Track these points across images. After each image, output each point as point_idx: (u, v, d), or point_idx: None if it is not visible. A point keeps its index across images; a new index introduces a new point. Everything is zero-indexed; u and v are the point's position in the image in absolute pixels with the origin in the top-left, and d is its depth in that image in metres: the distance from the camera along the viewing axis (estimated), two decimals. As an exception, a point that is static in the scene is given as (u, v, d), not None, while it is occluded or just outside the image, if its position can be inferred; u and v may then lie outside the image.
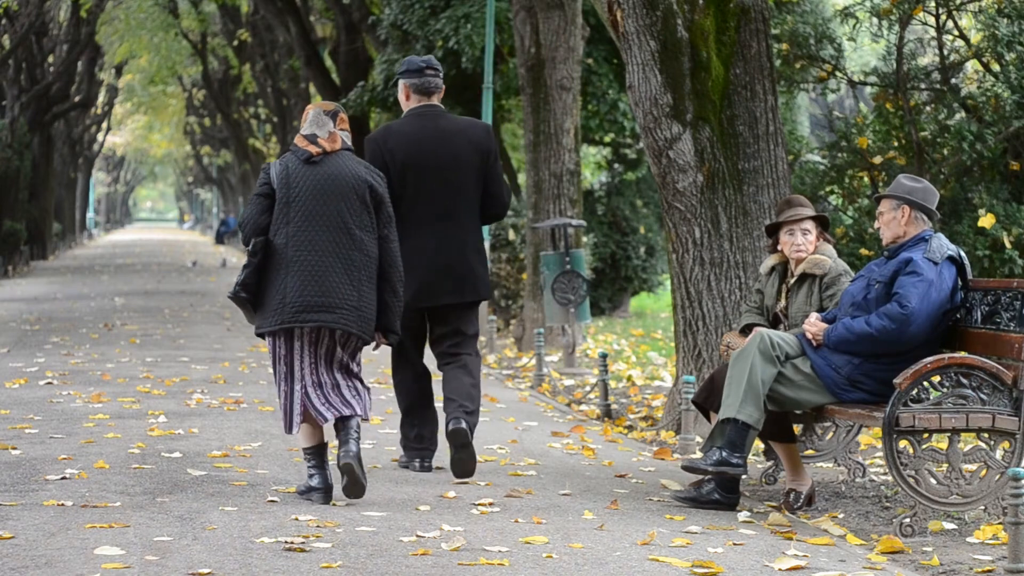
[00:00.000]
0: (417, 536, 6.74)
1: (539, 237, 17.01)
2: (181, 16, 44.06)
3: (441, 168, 8.57)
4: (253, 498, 7.61)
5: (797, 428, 8.39)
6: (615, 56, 22.01)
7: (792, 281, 8.36)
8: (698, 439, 9.81)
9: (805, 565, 6.38)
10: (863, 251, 11.84)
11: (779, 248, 8.42)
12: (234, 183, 66.83)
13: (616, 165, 25.49)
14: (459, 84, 22.64)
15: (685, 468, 7.86)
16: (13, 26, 35.24)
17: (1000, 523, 7.14)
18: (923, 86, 12.38)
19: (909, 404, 7.20)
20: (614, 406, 12.04)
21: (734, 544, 6.82)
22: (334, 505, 7.50)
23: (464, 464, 8.38)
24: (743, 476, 7.84)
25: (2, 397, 11.75)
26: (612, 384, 13.41)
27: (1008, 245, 11.42)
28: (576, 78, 17.08)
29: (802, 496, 8.01)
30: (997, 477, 7.19)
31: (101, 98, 59.18)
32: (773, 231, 8.49)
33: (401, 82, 8.77)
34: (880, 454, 9.15)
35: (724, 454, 7.66)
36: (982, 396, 7.22)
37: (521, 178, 26.52)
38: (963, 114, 12.01)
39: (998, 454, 7.27)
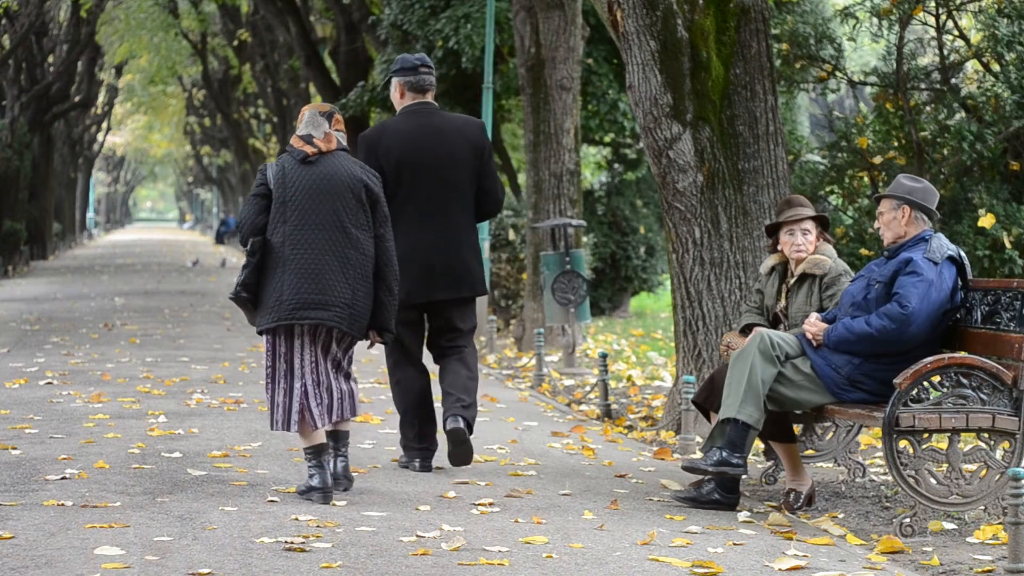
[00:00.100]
0: (417, 536, 6.74)
1: (539, 237, 17.01)
2: (181, 16, 44.07)
3: (437, 165, 8.62)
4: (253, 498, 7.61)
5: (797, 428, 8.39)
6: (615, 56, 22.01)
7: (792, 281, 8.36)
8: (698, 439, 9.81)
9: (805, 565, 6.38)
10: (863, 251, 11.84)
11: (779, 248, 8.42)
12: (234, 183, 66.81)
13: (616, 165, 25.49)
14: (459, 84, 22.64)
15: (685, 468, 7.86)
16: (13, 26, 35.24)
17: (1000, 523, 7.14)
18: (923, 86, 12.38)
19: (909, 404, 7.20)
20: (614, 406, 12.04)
21: (734, 544, 6.82)
22: (334, 505, 7.50)
23: (461, 457, 8.50)
24: (743, 476, 7.84)
25: (2, 397, 11.76)
26: (612, 384, 13.41)
27: (1008, 245, 11.42)
28: (576, 78, 17.09)
29: (802, 496, 8.01)
30: (997, 477, 7.19)
31: (101, 98, 59.19)
32: (773, 231, 8.49)
33: (395, 80, 8.82)
34: (880, 454, 9.15)
35: (724, 454, 7.66)
36: (982, 396, 7.22)
37: (521, 178, 26.52)
38: (963, 114, 12.01)
39: (998, 454, 7.27)
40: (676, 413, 10.30)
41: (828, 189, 12.63)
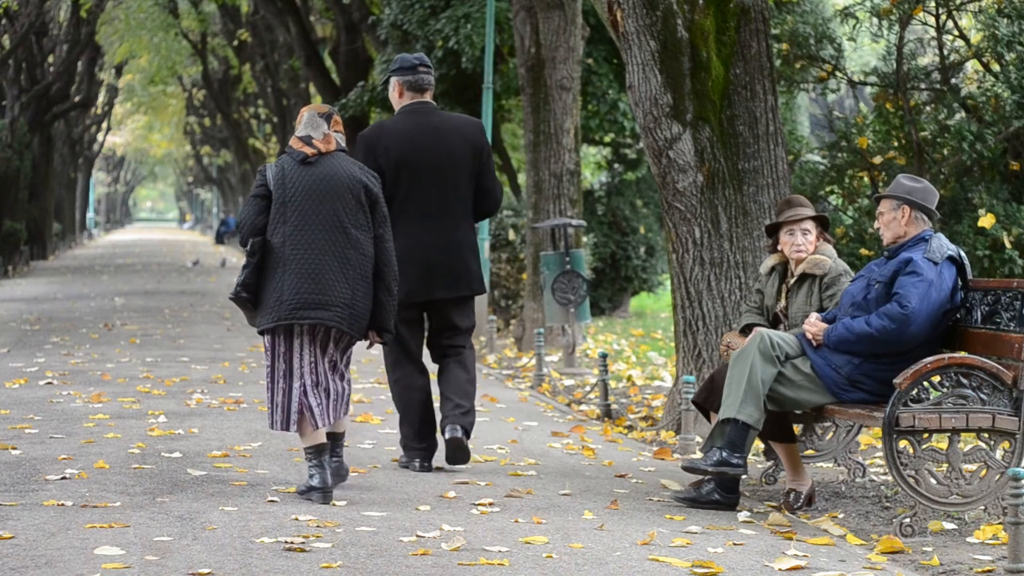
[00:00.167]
0: (417, 536, 6.74)
1: (539, 237, 17.01)
2: (181, 16, 44.07)
3: (436, 165, 8.66)
4: (253, 498, 7.61)
5: (797, 428, 8.39)
6: (615, 56, 22.00)
7: (792, 281, 8.36)
8: (698, 439, 9.81)
9: (805, 565, 6.38)
10: (863, 251, 11.83)
11: (779, 248, 8.42)
12: (234, 183, 66.81)
13: (616, 165, 25.48)
14: (459, 84, 22.64)
15: (685, 469, 7.86)
16: (13, 26, 35.24)
17: (1000, 523, 7.14)
18: (923, 86, 12.38)
19: (909, 404, 7.20)
20: (614, 406, 12.04)
21: (734, 544, 6.82)
22: (334, 505, 7.50)
23: (458, 460, 8.64)
24: (743, 476, 7.84)
25: (2, 397, 11.76)
26: (612, 384, 13.41)
27: (1008, 245, 11.42)
28: (576, 78, 17.08)
29: (802, 496, 8.01)
30: (997, 477, 7.19)
31: (101, 98, 59.18)
32: (773, 231, 8.49)
33: (393, 79, 8.85)
34: (880, 454, 9.15)
35: (724, 454, 7.66)
36: (982, 396, 7.22)
37: (521, 178, 26.52)
38: (963, 114, 12.01)
39: (998, 454, 7.27)
40: (676, 413, 10.30)
41: (828, 189, 12.63)
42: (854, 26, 12.42)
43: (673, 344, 11.71)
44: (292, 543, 6.47)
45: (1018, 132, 11.69)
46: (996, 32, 11.74)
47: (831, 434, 8.76)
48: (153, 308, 23.81)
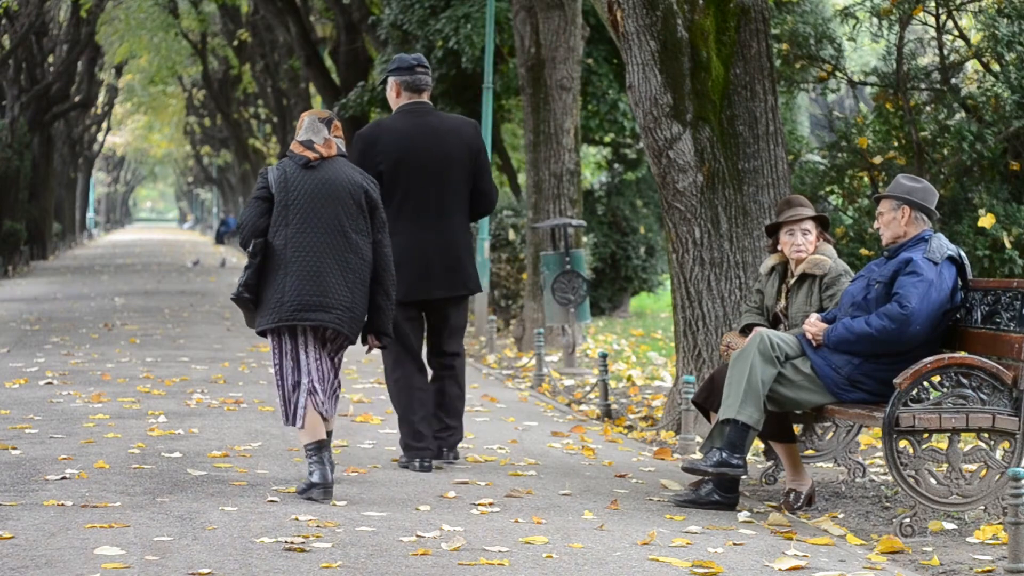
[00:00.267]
0: (417, 536, 6.75)
1: (539, 237, 17.01)
2: (181, 16, 44.06)
3: (434, 165, 8.75)
4: (253, 498, 7.62)
5: (797, 428, 8.38)
6: (615, 56, 22.00)
7: (792, 281, 8.36)
8: (698, 439, 9.81)
9: (805, 565, 6.38)
10: (863, 251, 11.83)
11: (779, 248, 8.42)
12: (234, 183, 66.82)
13: (616, 165, 25.48)
14: (459, 84, 22.64)
15: (685, 469, 7.86)
16: (13, 26, 35.23)
17: (1000, 523, 7.14)
18: (923, 86, 12.37)
19: (909, 404, 7.20)
20: (614, 406, 12.04)
21: (734, 544, 6.82)
22: (334, 505, 7.50)
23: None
24: (743, 476, 7.84)
25: (2, 397, 11.76)
26: (612, 384, 13.41)
27: (1008, 245, 11.42)
28: (576, 78, 17.08)
29: (802, 496, 8.01)
30: (997, 477, 7.19)
31: (101, 98, 59.17)
32: (773, 231, 8.49)
33: (391, 79, 8.93)
34: (880, 454, 9.15)
35: (724, 455, 7.66)
36: (982, 396, 7.22)
37: (521, 178, 26.51)
38: (963, 114, 12.01)
39: (998, 454, 7.27)
40: (676, 413, 10.30)
41: (828, 189, 12.62)
42: (854, 26, 12.42)
43: (673, 344, 11.71)
44: (292, 543, 6.47)
45: (1018, 132, 11.68)
46: (996, 32, 11.74)
47: (831, 434, 8.76)
48: (153, 308, 23.81)
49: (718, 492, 7.78)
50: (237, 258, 45.67)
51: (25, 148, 39.25)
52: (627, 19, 10.02)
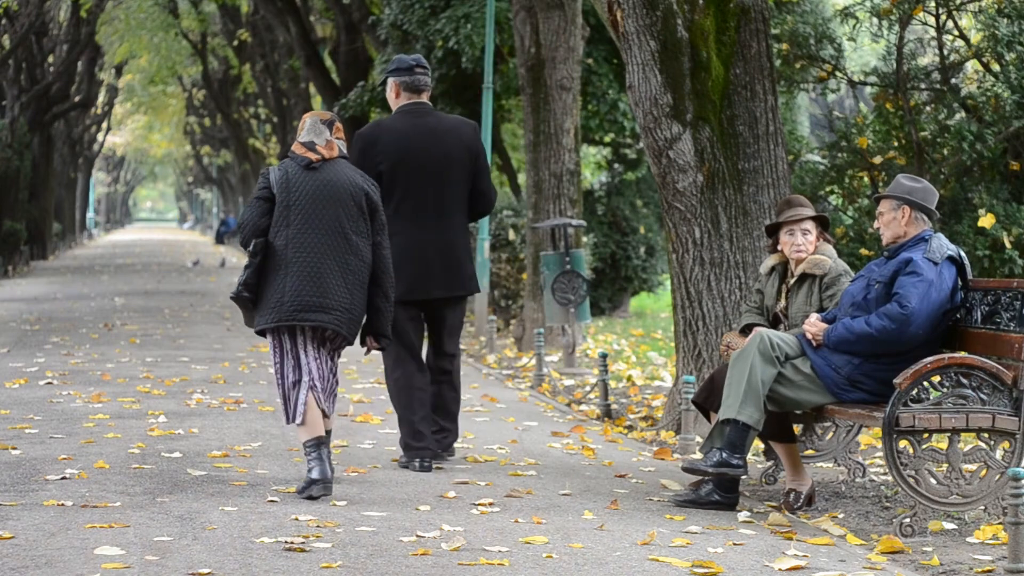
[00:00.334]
0: (417, 536, 6.75)
1: (539, 237, 17.01)
2: (181, 16, 44.06)
3: (433, 165, 8.80)
4: (253, 498, 7.62)
5: (797, 428, 8.38)
6: (615, 56, 22.00)
7: (792, 281, 8.36)
8: (698, 439, 9.81)
9: (805, 565, 6.38)
10: (863, 251, 11.83)
11: (779, 248, 8.42)
12: (234, 183, 66.82)
13: (616, 165, 25.48)
14: (459, 84, 22.64)
15: (685, 470, 7.86)
16: (13, 26, 35.23)
17: (1000, 523, 7.14)
18: (923, 86, 12.37)
19: (909, 404, 7.20)
20: (614, 406, 12.04)
21: (734, 544, 6.82)
22: (334, 505, 7.50)
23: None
24: (743, 476, 7.84)
25: (2, 397, 11.76)
26: (612, 384, 13.41)
27: (1008, 245, 11.42)
28: (576, 78, 17.08)
29: (802, 496, 8.01)
30: (997, 477, 7.19)
31: (101, 98, 59.16)
32: (773, 231, 8.49)
33: (390, 80, 9.00)
34: (880, 454, 9.15)
35: (724, 455, 7.66)
36: (982, 396, 7.22)
37: (521, 178, 26.51)
38: (963, 114, 12.01)
39: (998, 454, 7.27)
40: (676, 413, 10.30)
41: (828, 189, 12.62)
42: (854, 26, 12.42)
43: (673, 344, 11.71)
44: (292, 543, 6.47)
45: (1018, 132, 11.68)
46: (996, 32, 11.74)
47: (831, 434, 8.76)
48: (153, 308, 23.81)
49: (718, 492, 7.78)
50: (237, 258, 45.67)
51: (25, 148, 39.25)
52: (627, 19, 10.02)
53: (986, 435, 7.25)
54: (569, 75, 16.93)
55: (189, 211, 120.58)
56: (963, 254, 7.71)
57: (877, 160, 12.15)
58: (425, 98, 8.95)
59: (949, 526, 7.35)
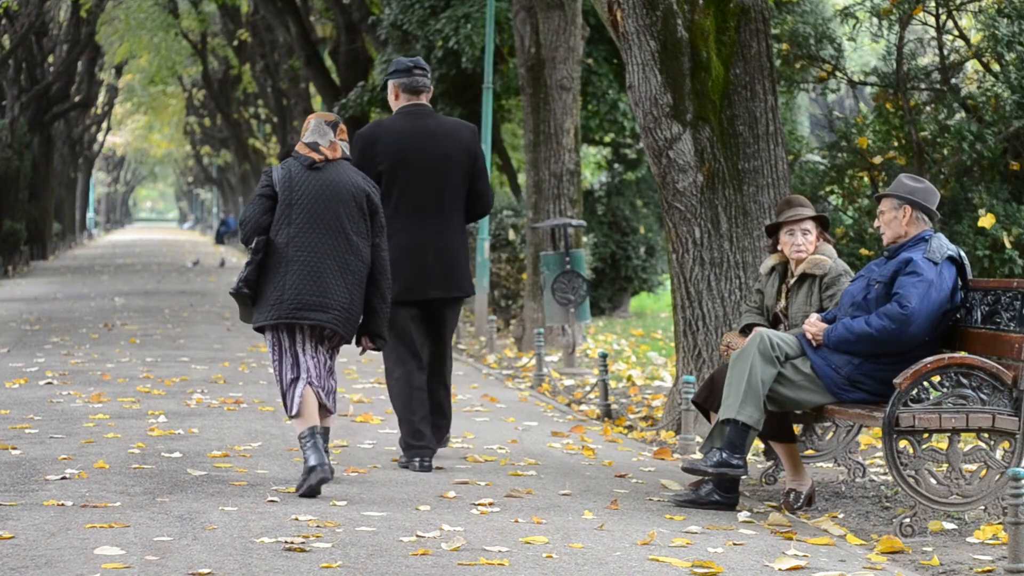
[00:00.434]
0: (417, 536, 6.75)
1: (539, 237, 17.01)
2: (181, 16, 44.06)
3: (432, 166, 8.87)
4: (253, 498, 7.62)
5: (797, 428, 8.38)
6: (615, 56, 22.00)
7: (792, 281, 8.36)
8: (698, 439, 9.81)
9: (805, 565, 6.38)
10: (863, 251, 11.83)
11: (779, 248, 8.42)
12: (234, 183, 66.81)
13: (616, 165, 25.48)
14: (459, 84, 22.63)
15: (685, 470, 7.86)
16: (13, 26, 35.22)
17: (1000, 523, 7.14)
18: (923, 86, 12.37)
19: (909, 404, 7.20)
20: (614, 406, 12.04)
21: (734, 544, 6.82)
22: (334, 505, 7.50)
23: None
24: (743, 476, 7.84)
25: (2, 397, 11.76)
26: (612, 384, 13.41)
27: (1008, 245, 11.42)
28: (576, 78, 17.08)
29: (802, 496, 8.01)
30: (997, 477, 7.19)
31: (101, 98, 59.15)
32: (773, 231, 8.49)
33: (390, 82, 9.10)
34: (880, 454, 9.15)
35: (724, 455, 7.66)
36: (982, 396, 7.22)
37: (521, 178, 26.50)
38: (963, 114, 12.01)
39: (998, 454, 7.27)
40: (676, 413, 10.30)
41: (828, 189, 12.62)
42: (854, 26, 12.41)
43: (673, 344, 11.71)
44: (292, 543, 6.47)
45: (1018, 132, 11.68)
46: (996, 32, 11.74)
47: (831, 434, 8.76)
48: (153, 308, 23.81)
49: (718, 492, 7.78)
50: (237, 258, 45.67)
51: (25, 148, 39.24)
52: (627, 19, 10.02)
53: (986, 435, 7.25)
54: (569, 75, 16.93)
55: (189, 211, 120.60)
56: (963, 254, 7.71)
57: (877, 160, 12.15)
58: (424, 99, 9.00)
59: (949, 526, 7.35)
